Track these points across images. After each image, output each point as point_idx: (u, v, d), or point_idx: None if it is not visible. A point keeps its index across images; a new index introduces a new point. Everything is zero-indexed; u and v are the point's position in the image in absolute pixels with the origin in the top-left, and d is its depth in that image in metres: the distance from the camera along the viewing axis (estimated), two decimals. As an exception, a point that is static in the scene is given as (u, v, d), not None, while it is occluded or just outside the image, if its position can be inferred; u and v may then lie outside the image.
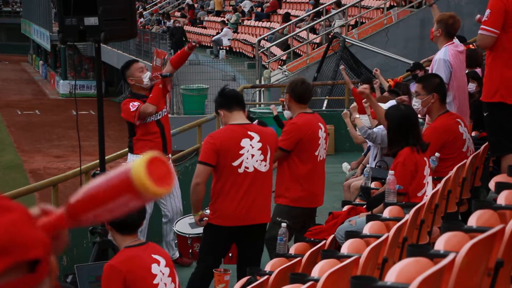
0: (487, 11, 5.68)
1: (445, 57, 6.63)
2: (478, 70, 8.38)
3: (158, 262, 4.40)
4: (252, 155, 5.52)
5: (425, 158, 5.45)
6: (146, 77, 7.20)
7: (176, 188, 7.48)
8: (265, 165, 5.58)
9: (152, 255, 4.41)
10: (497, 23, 5.65)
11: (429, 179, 5.43)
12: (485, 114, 5.98)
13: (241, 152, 5.50)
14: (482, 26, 5.69)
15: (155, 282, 4.34)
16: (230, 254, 6.15)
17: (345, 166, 9.47)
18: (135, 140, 7.18)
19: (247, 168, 5.51)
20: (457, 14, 5.98)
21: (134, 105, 7.12)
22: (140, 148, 7.13)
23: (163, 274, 4.39)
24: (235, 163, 5.49)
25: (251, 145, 5.53)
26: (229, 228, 5.58)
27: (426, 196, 5.35)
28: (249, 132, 5.55)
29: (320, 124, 6.24)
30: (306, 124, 6.12)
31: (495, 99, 5.76)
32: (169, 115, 7.80)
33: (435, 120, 6.18)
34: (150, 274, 4.34)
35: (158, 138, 7.21)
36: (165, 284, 4.40)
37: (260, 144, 5.55)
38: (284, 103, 6.41)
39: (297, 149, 6.10)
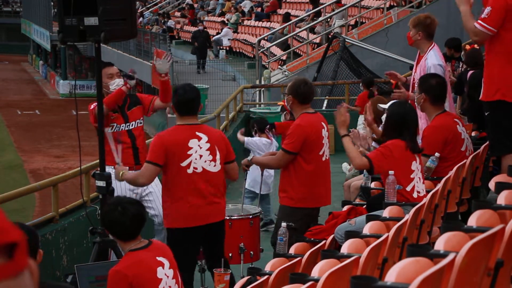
0: (488, 8, 5.63)
1: (439, 62, 6.65)
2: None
3: (162, 265, 4.40)
4: (201, 156, 5.58)
5: (416, 155, 5.47)
6: (113, 84, 6.95)
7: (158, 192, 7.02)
8: (214, 165, 5.63)
9: (157, 258, 4.40)
10: (497, 22, 5.63)
11: (419, 176, 5.44)
12: (486, 114, 5.98)
13: (189, 152, 5.55)
14: (481, 22, 5.64)
15: (160, 287, 4.35)
16: (230, 254, 6.15)
17: (345, 166, 9.47)
18: (107, 151, 6.23)
19: (196, 168, 5.56)
20: (458, 14, 5.93)
21: (92, 105, 6.77)
22: (112, 160, 6.37)
23: (167, 277, 4.40)
24: (184, 164, 5.54)
25: (199, 145, 5.59)
26: (188, 229, 5.58)
27: (419, 193, 5.38)
28: (197, 133, 5.61)
29: (323, 123, 6.25)
30: (309, 125, 6.13)
31: (495, 98, 5.75)
32: (169, 115, 7.65)
33: (433, 119, 6.21)
34: (155, 278, 4.34)
35: (128, 148, 6.87)
36: (170, 287, 4.40)
37: (208, 145, 5.61)
38: (286, 104, 6.39)
39: (301, 150, 6.10)
